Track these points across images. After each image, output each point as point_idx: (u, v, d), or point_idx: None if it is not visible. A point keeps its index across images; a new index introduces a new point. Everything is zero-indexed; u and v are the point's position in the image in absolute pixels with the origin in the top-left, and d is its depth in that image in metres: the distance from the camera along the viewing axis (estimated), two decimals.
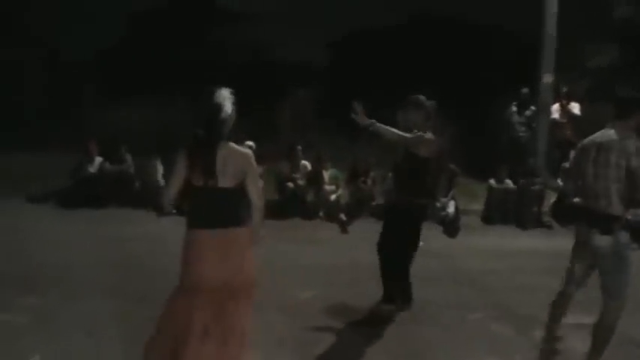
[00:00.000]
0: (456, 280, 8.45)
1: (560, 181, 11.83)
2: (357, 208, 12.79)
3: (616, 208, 5.21)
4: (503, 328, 6.69)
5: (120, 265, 8.36)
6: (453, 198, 12.48)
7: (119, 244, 9.51)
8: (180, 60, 18.06)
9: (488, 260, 9.68)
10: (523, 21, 15.58)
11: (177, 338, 4.44)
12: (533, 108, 14.73)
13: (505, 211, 12.96)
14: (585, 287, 5.65)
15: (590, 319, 5.52)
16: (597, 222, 5.28)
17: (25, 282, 7.45)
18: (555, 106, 14.58)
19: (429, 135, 6.70)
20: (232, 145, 4.47)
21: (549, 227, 12.24)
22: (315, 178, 13.01)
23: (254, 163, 4.51)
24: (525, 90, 14.83)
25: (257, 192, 4.58)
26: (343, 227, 11.92)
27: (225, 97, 4.49)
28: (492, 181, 13.17)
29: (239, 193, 4.47)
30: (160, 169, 12.79)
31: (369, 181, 13.24)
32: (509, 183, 13.13)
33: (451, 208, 12.20)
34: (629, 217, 5.24)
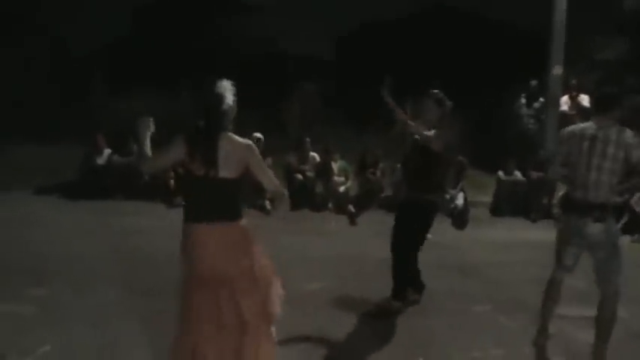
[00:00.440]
0: (464, 272, 8.44)
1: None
2: (365, 199, 12.79)
3: (608, 197, 5.40)
4: (510, 320, 6.68)
5: (127, 256, 8.38)
6: (461, 190, 12.47)
7: (127, 236, 9.53)
8: (188, 52, 18.06)
9: (497, 252, 9.67)
10: (533, 13, 15.53)
11: (197, 333, 4.46)
12: (542, 100, 14.70)
13: (514, 204, 12.94)
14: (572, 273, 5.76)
15: (593, 311, 5.53)
16: (590, 211, 5.42)
17: (33, 273, 7.47)
18: (564, 98, 14.54)
19: (444, 131, 6.65)
20: (233, 135, 4.46)
21: (558, 219, 12.19)
22: (323, 170, 13.01)
23: (256, 152, 4.49)
24: (534, 82, 14.81)
25: (267, 178, 4.57)
26: (352, 219, 11.93)
27: (226, 88, 4.49)
28: (501, 173, 13.14)
29: (239, 184, 4.46)
30: None
31: (378, 173, 13.24)
32: (517, 175, 13.10)
33: (460, 200, 12.19)
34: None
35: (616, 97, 5.67)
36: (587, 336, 5.71)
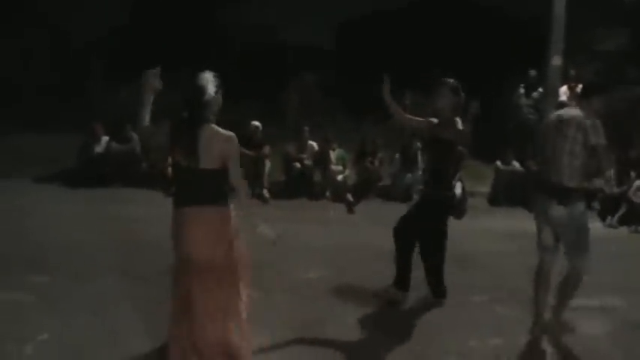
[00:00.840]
0: (462, 262, 8.42)
1: None
2: (363, 188, 12.83)
3: (572, 180, 5.55)
4: (508, 310, 6.69)
5: (126, 244, 8.39)
6: (459, 180, 12.45)
7: (126, 224, 9.54)
8: (188, 42, 18.01)
9: (494, 242, 9.69)
10: (533, 3, 15.49)
11: (188, 317, 4.54)
12: (541, 90, 14.68)
13: (512, 193, 12.94)
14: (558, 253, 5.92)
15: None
16: (555, 193, 5.62)
17: (33, 261, 7.49)
18: (563, 89, 14.51)
19: (457, 121, 6.57)
20: (215, 127, 4.52)
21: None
22: (322, 159, 13.03)
23: (236, 145, 4.54)
24: (533, 72, 14.79)
25: (236, 174, 4.61)
26: (350, 207, 11.95)
27: (208, 80, 4.56)
28: (499, 163, 13.15)
29: (221, 174, 4.52)
30: None
31: (376, 162, 13.27)
32: (516, 165, 13.11)
33: (458, 190, 12.17)
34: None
35: (601, 89, 5.87)
36: (589, 327, 5.74)
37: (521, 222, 11.48)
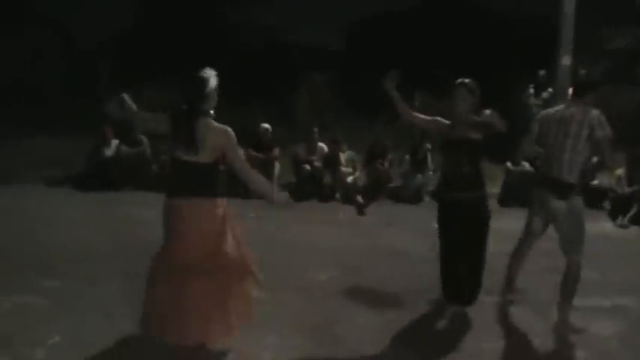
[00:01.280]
0: None
1: None
2: (374, 190, 12.81)
3: (572, 176, 5.77)
4: (520, 311, 6.66)
5: (137, 247, 8.36)
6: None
7: (136, 226, 9.54)
8: (196, 42, 18.04)
9: (505, 243, 9.60)
10: (542, 3, 15.47)
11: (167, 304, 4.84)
12: (550, 90, 14.65)
13: (522, 194, 12.87)
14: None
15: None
16: (554, 188, 5.84)
17: (44, 265, 7.52)
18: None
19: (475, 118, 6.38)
20: (212, 121, 4.69)
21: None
22: (331, 160, 13.01)
23: (233, 138, 4.68)
24: (542, 72, 14.76)
25: (240, 166, 4.77)
26: (360, 209, 11.93)
27: (210, 75, 4.76)
28: (509, 164, 13.11)
29: (215, 168, 4.70)
30: None
31: (387, 164, 13.25)
32: (526, 166, 13.06)
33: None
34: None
35: (590, 84, 6.15)
36: (600, 327, 5.71)
37: None
